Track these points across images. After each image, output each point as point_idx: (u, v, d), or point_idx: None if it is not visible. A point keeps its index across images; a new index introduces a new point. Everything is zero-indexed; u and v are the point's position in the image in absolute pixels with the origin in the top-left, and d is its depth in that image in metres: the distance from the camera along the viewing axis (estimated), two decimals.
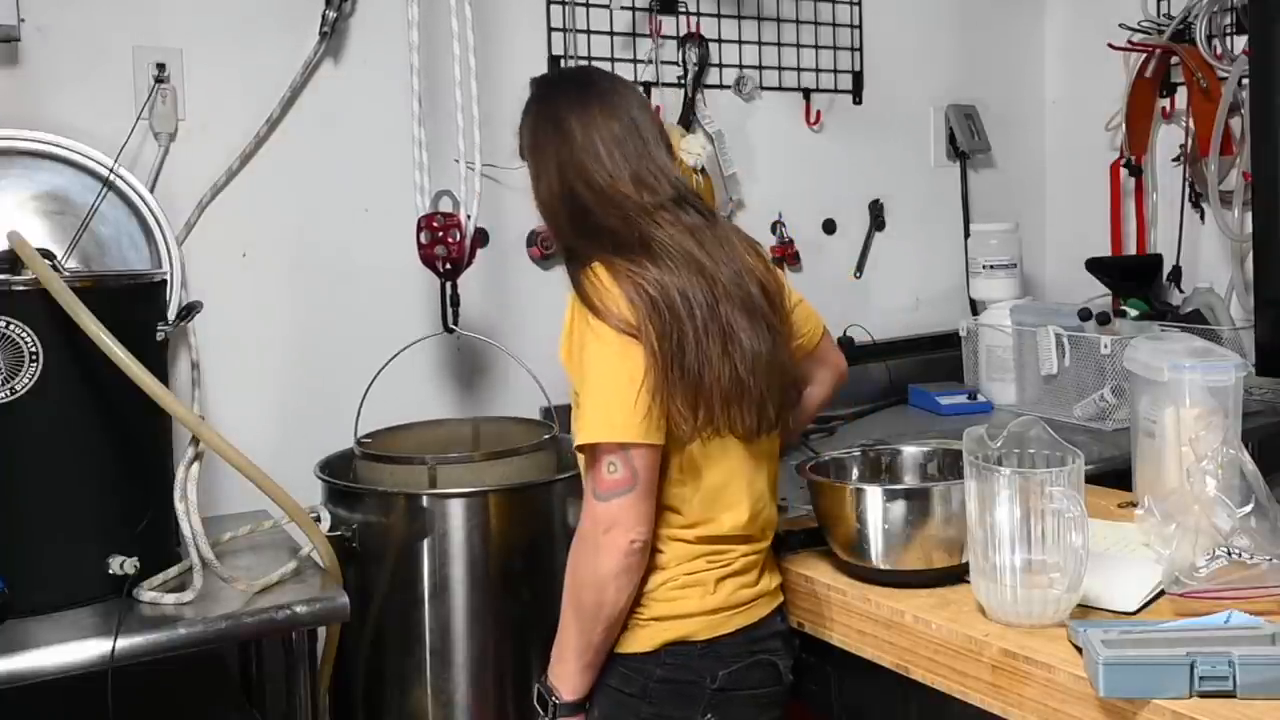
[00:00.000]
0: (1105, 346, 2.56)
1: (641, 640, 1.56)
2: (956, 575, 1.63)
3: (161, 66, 2.17)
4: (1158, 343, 1.91)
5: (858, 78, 3.10)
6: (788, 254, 2.96)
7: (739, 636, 1.59)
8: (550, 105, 1.66)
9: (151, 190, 2.15)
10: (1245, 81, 2.74)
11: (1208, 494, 1.53)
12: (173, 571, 1.79)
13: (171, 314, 1.89)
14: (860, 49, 3.10)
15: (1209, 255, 3.09)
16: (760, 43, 2.93)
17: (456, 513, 1.95)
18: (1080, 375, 2.64)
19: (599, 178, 1.58)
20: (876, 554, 1.65)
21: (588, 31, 2.64)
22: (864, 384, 2.89)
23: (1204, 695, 1.23)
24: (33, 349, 1.63)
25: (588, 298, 1.53)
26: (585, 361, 1.53)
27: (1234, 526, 1.49)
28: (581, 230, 1.60)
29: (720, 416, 1.54)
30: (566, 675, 1.57)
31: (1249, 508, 1.50)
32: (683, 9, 2.79)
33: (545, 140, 1.64)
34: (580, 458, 1.58)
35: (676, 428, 1.53)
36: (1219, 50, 2.97)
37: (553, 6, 2.61)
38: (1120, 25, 3.11)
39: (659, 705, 1.55)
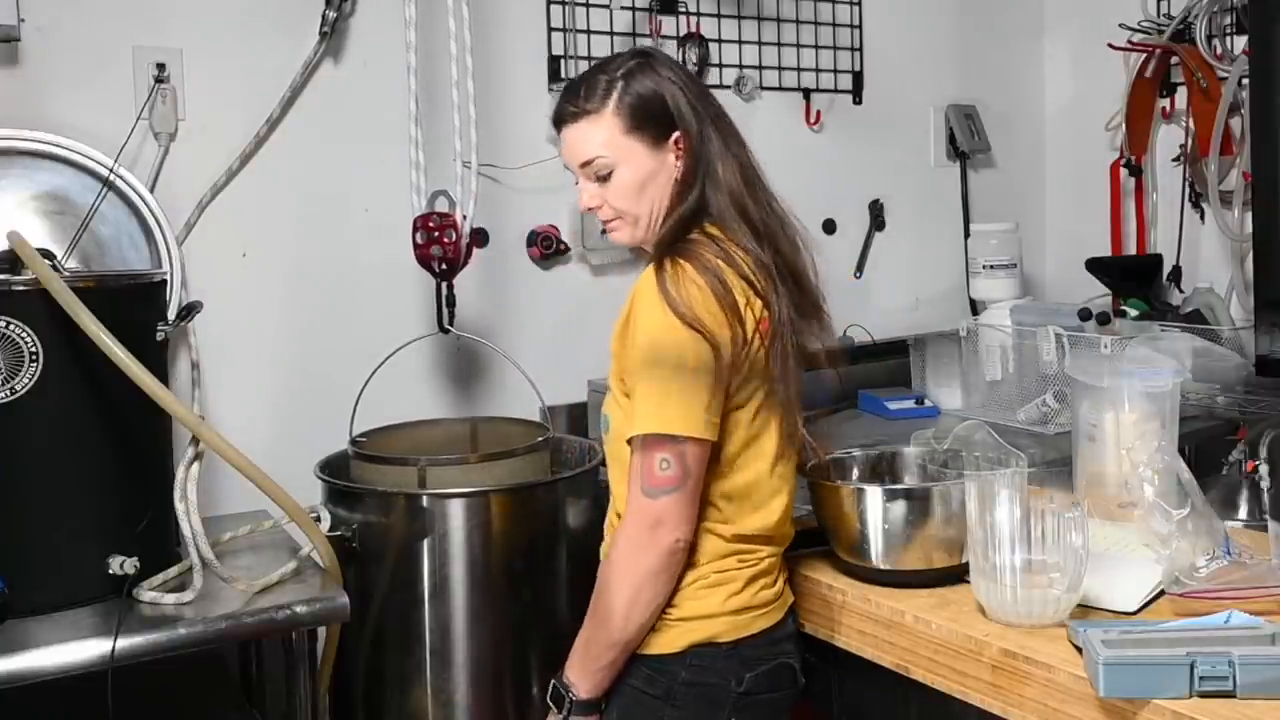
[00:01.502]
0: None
1: (667, 641, 1.54)
2: (956, 575, 1.63)
3: (161, 66, 2.17)
4: (1105, 353, 1.98)
5: (858, 78, 3.10)
6: None
7: (761, 639, 1.57)
8: (717, 110, 1.63)
9: (151, 190, 2.15)
10: (1245, 81, 2.73)
11: (1147, 498, 1.57)
12: (173, 571, 1.78)
13: (171, 314, 1.89)
14: (860, 49, 3.10)
15: (1209, 255, 3.09)
16: (760, 43, 2.93)
17: (456, 513, 1.94)
18: (1023, 381, 2.66)
19: (739, 191, 1.58)
20: (876, 554, 1.65)
21: (588, 31, 2.64)
22: (816, 390, 2.84)
23: (1204, 695, 1.24)
24: (33, 349, 1.63)
25: (664, 285, 1.48)
26: (642, 352, 1.49)
27: (1170, 530, 1.51)
28: (689, 223, 1.57)
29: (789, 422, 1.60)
30: (587, 673, 1.54)
31: (1185, 511, 1.53)
32: (683, 9, 2.79)
33: (705, 132, 1.59)
34: (614, 448, 1.58)
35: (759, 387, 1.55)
36: (1219, 50, 2.97)
37: (553, 6, 2.61)
38: (1120, 25, 3.10)
39: (683, 709, 1.53)
